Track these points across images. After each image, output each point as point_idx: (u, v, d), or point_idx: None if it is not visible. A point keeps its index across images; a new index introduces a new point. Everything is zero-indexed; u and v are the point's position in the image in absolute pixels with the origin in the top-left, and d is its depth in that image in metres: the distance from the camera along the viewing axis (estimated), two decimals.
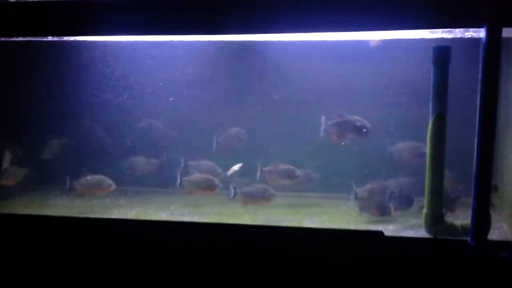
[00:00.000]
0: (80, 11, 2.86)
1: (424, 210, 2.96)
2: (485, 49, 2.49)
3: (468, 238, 2.65)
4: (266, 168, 3.80)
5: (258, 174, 3.80)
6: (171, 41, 3.19)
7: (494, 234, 2.95)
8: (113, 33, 2.99)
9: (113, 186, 3.83)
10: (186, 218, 3.50)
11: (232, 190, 3.69)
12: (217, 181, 3.76)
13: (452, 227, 2.90)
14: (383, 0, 2.63)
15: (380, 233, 2.90)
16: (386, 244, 2.87)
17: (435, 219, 2.91)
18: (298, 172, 3.79)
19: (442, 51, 2.81)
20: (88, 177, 3.87)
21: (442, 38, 2.85)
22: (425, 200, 2.96)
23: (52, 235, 3.11)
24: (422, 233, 2.98)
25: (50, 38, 3.06)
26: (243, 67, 3.99)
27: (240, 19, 2.78)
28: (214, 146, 3.94)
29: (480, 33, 2.53)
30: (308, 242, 2.95)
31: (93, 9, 2.85)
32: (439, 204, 2.92)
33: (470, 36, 2.77)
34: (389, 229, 3.18)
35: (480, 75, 2.52)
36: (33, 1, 2.87)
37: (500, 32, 2.48)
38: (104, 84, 3.87)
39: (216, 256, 3.01)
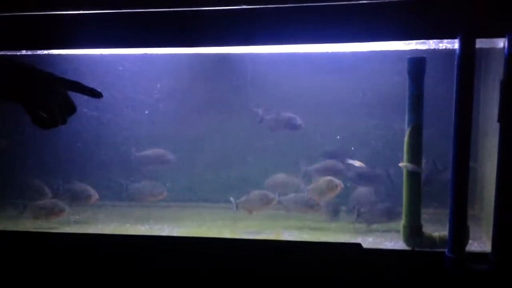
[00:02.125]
0: (53, 24, 2.83)
1: (402, 222, 2.95)
2: (459, 60, 2.50)
3: (446, 250, 2.65)
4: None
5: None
6: (145, 54, 3.15)
7: (473, 246, 2.95)
8: (86, 46, 2.94)
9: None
10: None
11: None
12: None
13: (430, 238, 2.89)
14: (359, 13, 2.62)
15: (358, 245, 2.88)
16: (364, 256, 2.85)
17: (413, 231, 2.90)
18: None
19: (417, 62, 2.82)
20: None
21: (416, 50, 2.84)
22: (403, 212, 2.95)
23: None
24: (400, 244, 2.98)
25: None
26: (221, 80, 3.96)
27: (218, 31, 2.76)
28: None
29: (455, 44, 2.53)
30: (286, 255, 2.93)
31: (65, 22, 2.82)
32: (417, 216, 2.91)
33: (444, 47, 2.76)
34: None
35: (454, 86, 2.53)
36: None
37: (474, 43, 2.49)
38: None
39: (197, 270, 2.99)
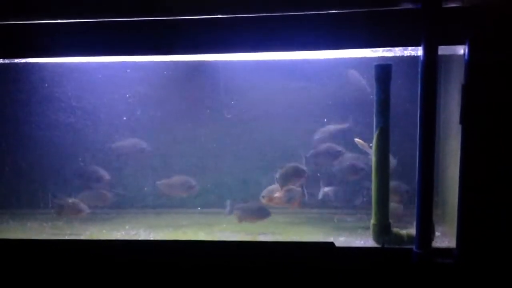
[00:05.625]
0: (28, 32, 2.87)
1: (372, 221, 3.08)
2: (423, 66, 2.64)
3: (414, 246, 2.78)
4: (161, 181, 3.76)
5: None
6: (121, 62, 3.18)
7: (437, 242, 3.10)
8: (60, 55, 3.01)
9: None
10: None
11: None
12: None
13: (398, 236, 3.04)
14: (328, 21, 2.75)
15: (330, 244, 2.99)
16: (337, 254, 2.96)
17: (382, 229, 3.04)
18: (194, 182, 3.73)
19: (383, 68, 2.96)
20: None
21: (383, 57, 2.98)
22: (372, 211, 3.08)
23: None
24: (370, 243, 3.11)
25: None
26: (194, 87, 4.02)
27: (190, 39, 2.86)
28: None
29: (418, 51, 2.67)
30: (261, 256, 3.02)
31: (39, 30, 2.87)
32: (386, 215, 3.05)
33: (409, 54, 2.91)
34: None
35: (419, 91, 2.66)
36: None
37: (436, 50, 2.62)
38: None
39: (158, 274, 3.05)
